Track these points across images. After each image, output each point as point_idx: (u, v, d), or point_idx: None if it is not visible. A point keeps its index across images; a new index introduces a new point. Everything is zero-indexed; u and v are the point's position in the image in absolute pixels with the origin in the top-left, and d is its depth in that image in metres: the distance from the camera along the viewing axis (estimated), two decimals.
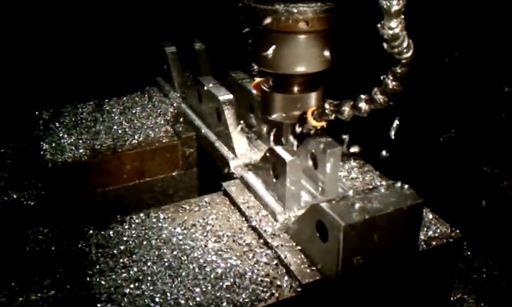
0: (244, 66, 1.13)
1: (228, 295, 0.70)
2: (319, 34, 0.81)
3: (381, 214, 0.67)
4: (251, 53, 0.87)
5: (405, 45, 0.70)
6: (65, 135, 1.08)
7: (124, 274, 0.73)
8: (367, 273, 0.70)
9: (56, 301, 0.80)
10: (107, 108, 1.18)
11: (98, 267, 0.75)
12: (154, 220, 0.84)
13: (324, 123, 0.84)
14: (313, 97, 0.86)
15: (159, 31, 1.37)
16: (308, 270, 0.72)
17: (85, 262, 0.76)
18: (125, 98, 1.23)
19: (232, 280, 0.72)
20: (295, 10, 0.78)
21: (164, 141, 1.06)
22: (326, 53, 0.83)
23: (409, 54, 0.71)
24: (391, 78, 0.74)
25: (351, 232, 0.66)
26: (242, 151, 0.96)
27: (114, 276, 0.73)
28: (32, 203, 1.01)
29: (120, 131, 1.09)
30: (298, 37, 0.80)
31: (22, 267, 0.87)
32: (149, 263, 0.75)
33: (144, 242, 0.79)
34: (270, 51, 0.81)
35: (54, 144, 1.05)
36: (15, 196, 1.02)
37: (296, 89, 0.86)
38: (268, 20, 0.79)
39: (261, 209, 0.84)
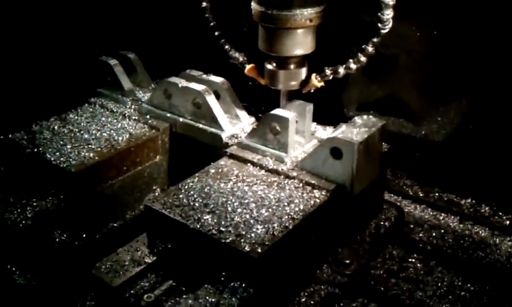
0: (177, 68, 1.42)
1: (288, 211, 1.02)
2: (314, 27, 1.19)
3: (372, 132, 1.08)
4: (261, 44, 1.20)
5: (390, 25, 1.12)
6: (59, 146, 1.23)
7: (211, 214, 1.00)
8: (368, 177, 1.10)
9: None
10: (72, 121, 1.34)
11: (192, 217, 0.99)
12: (198, 183, 1.10)
13: (323, 83, 1.23)
14: (304, 70, 1.24)
15: (80, 49, 1.54)
16: (327, 183, 1.09)
17: (176, 218, 1.00)
18: (79, 110, 1.40)
19: (286, 201, 1.04)
20: (305, 13, 1.14)
21: (147, 134, 1.30)
22: (315, 39, 1.21)
23: (387, 29, 1.13)
24: (370, 45, 1.16)
25: (360, 147, 1.05)
26: (227, 125, 1.26)
27: (205, 215, 1.00)
28: (59, 209, 1.15)
29: (104, 134, 1.28)
30: (303, 30, 1.16)
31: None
32: (220, 203, 1.03)
33: (203, 195, 1.05)
34: (284, 42, 1.17)
35: (58, 154, 1.20)
36: (39, 207, 1.15)
37: (293, 66, 1.22)
38: (287, 22, 1.14)
39: (268, 159, 1.17)
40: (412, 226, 1.29)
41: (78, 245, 1.17)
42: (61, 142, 1.25)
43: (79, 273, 1.10)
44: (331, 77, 1.22)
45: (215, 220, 0.99)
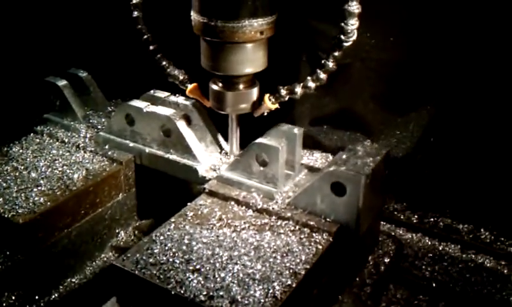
0: (136, 86, 1.23)
1: (288, 264, 0.86)
2: (265, 40, 1.02)
3: (377, 162, 0.93)
4: (204, 61, 1.04)
5: (354, 37, 0.97)
6: (2, 189, 1.02)
7: (196, 274, 0.82)
8: (372, 213, 0.95)
9: None
10: (16, 155, 1.13)
11: (173, 279, 0.82)
12: (175, 231, 0.92)
13: (277, 105, 1.07)
14: (255, 91, 1.08)
15: (22, 68, 1.32)
16: (327, 223, 0.94)
17: (154, 282, 0.82)
18: (24, 141, 1.19)
19: (284, 250, 0.88)
20: (255, 24, 0.98)
21: (107, 169, 1.10)
22: (266, 55, 1.05)
23: (351, 42, 0.98)
24: (331, 60, 1.00)
25: (367, 181, 0.90)
26: (203, 156, 1.08)
27: (189, 275, 0.82)
28: (5, 268, 0.95)
29: (56, 172, 1.08)
30: (253, 44, 1.00)
31: None
32: (205, 258, 0.86)
33: (184, 247, 0.88)
34: (232, 58, 1.01)
35: (0, 200, 0.99)
36: None
37: (243, 86, 1.06)
38: (234, 35, 0.97)
39: (255, 195, 1.00)
40: (412, 259, 1.16)
41: None
42: (4, 184, 1.04)
43: None
44: (286, 98, 1.07)
45: (202, 282, 0.81)
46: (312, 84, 1.02)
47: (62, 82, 1.23)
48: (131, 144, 1.15)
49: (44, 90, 1.25)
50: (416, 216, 1.28)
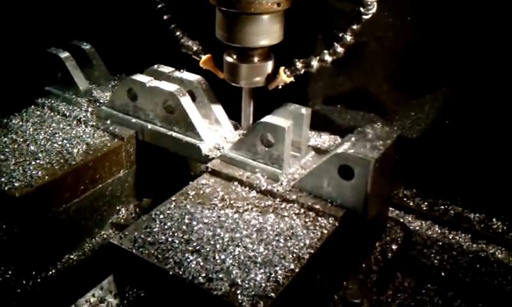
0: (141, 61, 1.19)
1: (291, 248, 0.82)
2: (282, 12, 0.99)
3: (388, 146, 0.89)
4: (219, 32, 1.02)
5: (374, 9, 0.94)
6: None
7: (195, 255, 0.79)
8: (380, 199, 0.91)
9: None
10: (15, 128, 1.10)
11: (172, 260, 0.78)
12: (176, 210, 0.89)
13: (292, 79, 1.04)
14: (270, 64, 1.05)
15: (24, 39, 1.29)
16: (334, 207, 0.90)
17: (152, 261, 0.79)
18: (24, 114, 1.16)
19: (288, 233, 0.85)
20: None
21: (108, 144, 1.07)
22: (282, 28, 1.02)
23: (371, 15, 0.95)
24: (349, 33, 0.97)
25: (376, 165, 0.86)
26: (207, 134, 1.05)
27: (189, 256, 0.79)
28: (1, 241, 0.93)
29: (56, 145, 1.05)
30: (269, 15, 0.97)
31: None
32: (206, 239, 0.83)
33: (184, 227, 0.85)
34: (247, 30, 0.98)
35: None
36: None
37: (258, 59, 1.04)
38: (250, 6, 0.94)
39: (259, 176, 0.97)
40: (420, 247, 1.13)
41: (26, 285, 0.95)
42: (2, 157, 1.01)
43: None
44: (302, 71, 1.04)
45: (201, 264, 0.78)
46: (328, 58, 0.99)
47: (64, 54, 1.19)
48: (133, 120, 1.11)
49: (46, 62, 1.21)
50: (426, 203, 1.24)
